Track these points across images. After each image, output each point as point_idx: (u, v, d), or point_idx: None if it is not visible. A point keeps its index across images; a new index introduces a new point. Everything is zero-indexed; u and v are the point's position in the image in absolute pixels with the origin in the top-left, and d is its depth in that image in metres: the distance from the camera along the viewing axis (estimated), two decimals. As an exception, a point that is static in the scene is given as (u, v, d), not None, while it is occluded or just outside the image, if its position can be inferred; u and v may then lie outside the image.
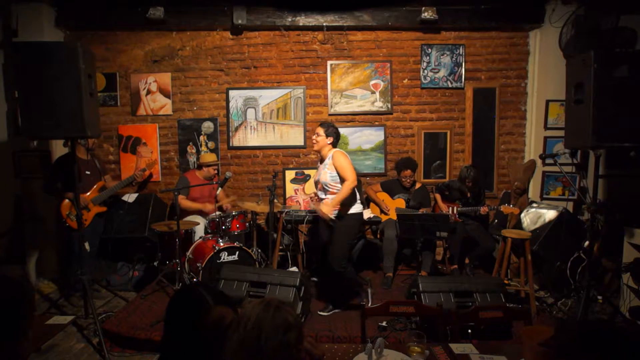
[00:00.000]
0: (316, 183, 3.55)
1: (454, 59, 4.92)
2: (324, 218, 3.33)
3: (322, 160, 3.50)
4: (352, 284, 3.58)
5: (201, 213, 4.41)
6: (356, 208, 3.43)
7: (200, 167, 4.58)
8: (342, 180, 3.33)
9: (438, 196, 4.65)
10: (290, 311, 1.28)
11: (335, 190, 3.37)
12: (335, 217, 3.34)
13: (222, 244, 3.84)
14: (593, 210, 3.17)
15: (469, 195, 4.54)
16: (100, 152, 4.92)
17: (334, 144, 3.47)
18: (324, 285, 3.92)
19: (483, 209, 4.39)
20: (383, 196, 4.70)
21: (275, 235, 4.23)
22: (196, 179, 4.48)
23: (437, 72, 4.94)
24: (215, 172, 4.56)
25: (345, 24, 4.77)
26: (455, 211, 4.45)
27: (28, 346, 1.17)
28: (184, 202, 4.29)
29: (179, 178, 4.62)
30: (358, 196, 3.46)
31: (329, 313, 3.51)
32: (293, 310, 1.29)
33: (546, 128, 4.84)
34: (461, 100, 4.98)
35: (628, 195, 4.06)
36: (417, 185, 4.70)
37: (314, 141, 3.48)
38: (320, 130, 3.44)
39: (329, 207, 3.26)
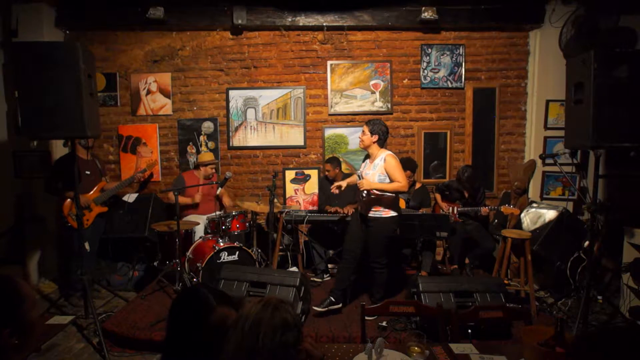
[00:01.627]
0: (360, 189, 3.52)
1: (454, 59, 4.92)
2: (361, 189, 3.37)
3: (369, 157, 3.52)
4: (381, 286, 3.58)
5: (192, 206, 4.37)
6: (394, 211, 3.45)
7: (198, 166, 4.58)
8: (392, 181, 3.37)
9: (438, 196, 4.65)
10: (289, 310, 1.26)
11: (379, 193, 3.37)
12: (373, 217, 3.40)
13: (222, 244, 3.83)
14: (593, 210, 3.17)
15: (467, 195, 4.54)
16: (100, 152, 4.92)
17: (381, 143, 3.45)
18: (326, 284, 3.93)
19: (484, 210, 4.39)
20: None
21: (275, 235, 4.22)
22: (195, 178, 4.47)
23: (437, 72, 4.94)
24: (213, 171, 4.54)
25: (345, 24, 4.77)
26: (455, 211, 4.46)
27: (22, 347, 1.16)
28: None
29: (176, 177, 4.61)
30: (398, 200, 3.51)
31: (322, 309, 3.48)
32: (293, 310, 1.28)
33: (546, 128, 4.84)
34: (461, 100, 4.98)
35: (628, 195, 4.06)
36: (417, 186, 4.70)
37: (360, 139, 3.50)
38: (366, 129, 3.44)
39: (369, 183, 3.32)
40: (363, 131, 3.47)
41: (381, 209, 3.40)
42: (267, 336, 1.19)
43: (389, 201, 3.40)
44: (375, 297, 3.56)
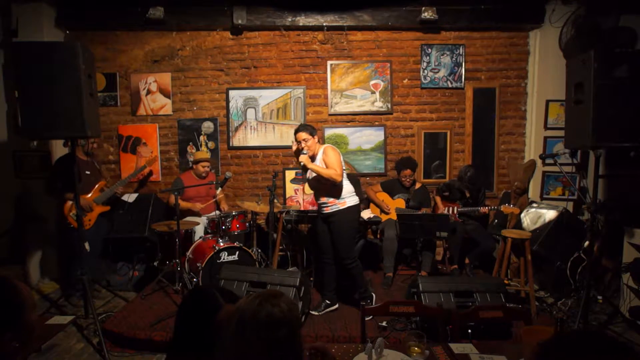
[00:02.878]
0: (309, 180, 3.50)
1: (454, 59, 4.92)
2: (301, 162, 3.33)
3: (312, 159, 3.43)
4: (360, 280, 3.55)
5: (190, 212, 4.35)
6: (353, 200, 3.41)
7: (192, 165, 4.57)
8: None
9: (438, 199, 4.65)
10: (279, 304, 1.13)
11: (328, 186, 3.33)
12: (333, 212, 3.38)
13: (222, 244, 3.84)
14: (593, 210, 3.17)
15: (468, 195, 4.54)
16: (100, 152, 4.92)
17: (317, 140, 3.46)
18: (318, 283, 3.93)
19: (483, 209, 4.40)
20: (383, 196, 4.70)
21: (275, 235, 4.22)
22: (191, 178, 4.46)
23: (437, 72, 4.94)
24: (207, 168, 4.50)
25: (345, 24, 4.77)
26: (455, 211, 4.46)
27: (23, 349, 1.16)
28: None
29: (175, 180, 4.59)
30: (352, 189, 3.45)
31: (320, 313, 3.50)
32: (286, 305, 1.15)
33: (546, 128, 4.84)
34: (461, 100, 4.98)
35: (628, 195, 4.05)
36: (417, 185, 4.70)
37: (305, 149, 3.31)
38: (305, 135, 3.32)
39: (307, 160, 3.29)
40: (304, 140, 3.30)
41: (336, 201, 3.35)
42: (252, 333, 1.07)
43: (339, 191, 3.34)
44: (360, 292, 3.52)
